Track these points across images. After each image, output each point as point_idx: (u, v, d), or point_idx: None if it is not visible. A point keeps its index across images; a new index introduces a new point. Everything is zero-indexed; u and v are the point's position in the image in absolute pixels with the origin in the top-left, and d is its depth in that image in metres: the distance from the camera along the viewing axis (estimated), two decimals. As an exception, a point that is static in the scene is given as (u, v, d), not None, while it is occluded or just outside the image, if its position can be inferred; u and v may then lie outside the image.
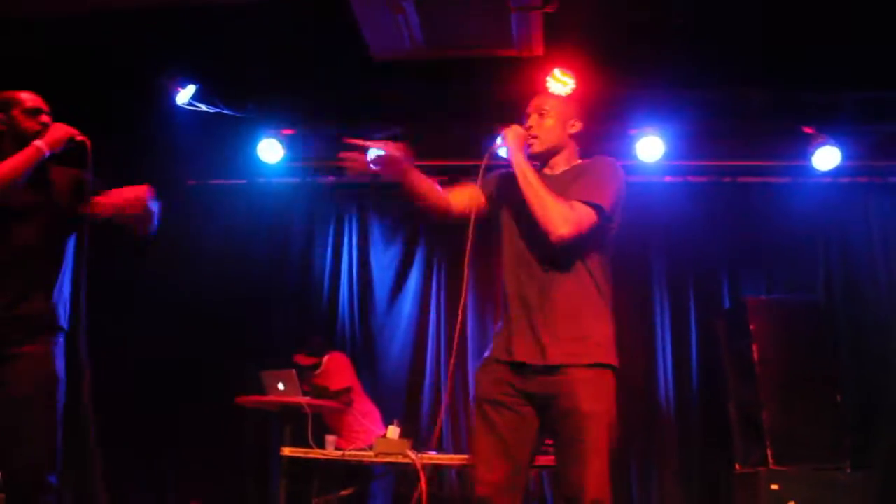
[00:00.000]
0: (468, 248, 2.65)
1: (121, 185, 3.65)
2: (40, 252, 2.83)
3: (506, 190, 2.74)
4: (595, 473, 2.36)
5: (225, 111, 5.94)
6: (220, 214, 6.64)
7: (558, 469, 2.48)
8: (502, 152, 2.74)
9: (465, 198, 2.80)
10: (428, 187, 2.74)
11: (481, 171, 2.78)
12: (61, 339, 2.89)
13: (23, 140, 2.81)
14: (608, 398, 2.47)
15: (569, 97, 2.78)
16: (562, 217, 2.48)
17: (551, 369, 2.46)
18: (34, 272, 2.82)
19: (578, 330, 2.50)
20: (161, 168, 6.34)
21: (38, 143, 2.79)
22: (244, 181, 6.68)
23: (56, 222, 2.91)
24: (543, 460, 4.24)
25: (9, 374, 2.72)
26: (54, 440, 2.77)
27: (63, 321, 2.91)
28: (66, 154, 2.93)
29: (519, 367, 2.52)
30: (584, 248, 2.57)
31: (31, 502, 2.68)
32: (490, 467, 2.47)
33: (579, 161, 2.79)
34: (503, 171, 2.83)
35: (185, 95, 5.75)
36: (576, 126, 2.78)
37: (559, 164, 2.76)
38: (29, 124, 2.85)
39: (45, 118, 2.90)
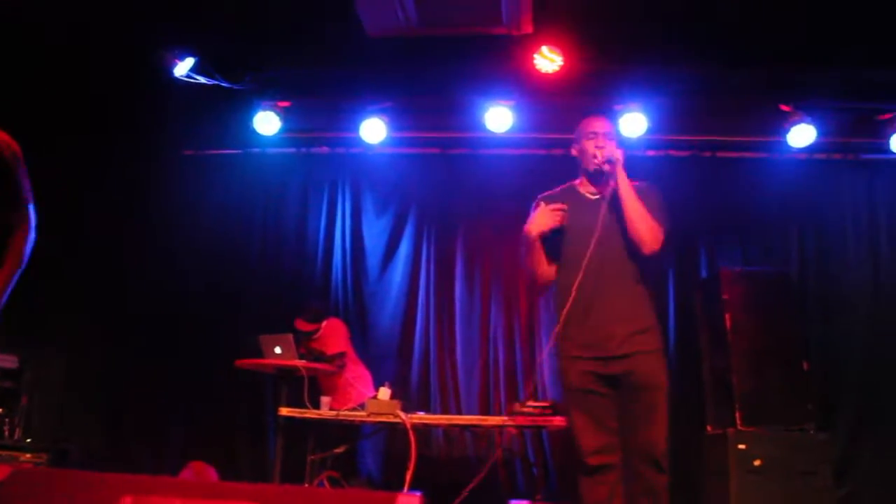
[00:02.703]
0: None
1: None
2: None
3: (576, 209, 3.28)
4: (663, 433, 3.08)
5: (222, 83, 6.06)
6: (217, 184, 6.83)
7: (632, 430, 3.08)
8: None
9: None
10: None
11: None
12: None
13: None
14: (666, 373, 3.16)
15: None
16: (655, 235, 3.15)
17: (627, 356, 3.09)
18: None
19: (642, 323, 3.15)
20: (158, 138, 6.53)
21: None
22: (240, 151, 6.83)
23: None
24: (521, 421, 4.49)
25: None
26: None
27: None
28: None
29: (601, 359, 3.11)
30: (647, 260, 3.19)
31: None
32: (592, 439, 3.09)
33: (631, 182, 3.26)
34: (565, 192, 3.36)
35: (183, 67, 5.86)
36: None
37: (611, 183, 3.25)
38: None
39: None
